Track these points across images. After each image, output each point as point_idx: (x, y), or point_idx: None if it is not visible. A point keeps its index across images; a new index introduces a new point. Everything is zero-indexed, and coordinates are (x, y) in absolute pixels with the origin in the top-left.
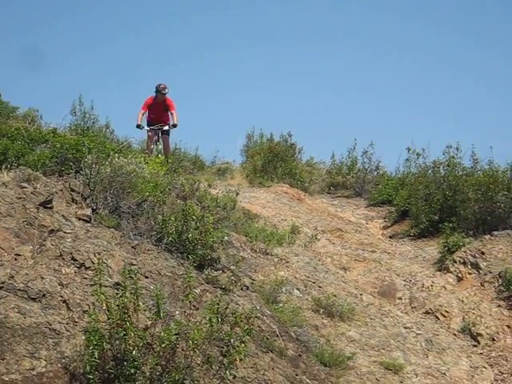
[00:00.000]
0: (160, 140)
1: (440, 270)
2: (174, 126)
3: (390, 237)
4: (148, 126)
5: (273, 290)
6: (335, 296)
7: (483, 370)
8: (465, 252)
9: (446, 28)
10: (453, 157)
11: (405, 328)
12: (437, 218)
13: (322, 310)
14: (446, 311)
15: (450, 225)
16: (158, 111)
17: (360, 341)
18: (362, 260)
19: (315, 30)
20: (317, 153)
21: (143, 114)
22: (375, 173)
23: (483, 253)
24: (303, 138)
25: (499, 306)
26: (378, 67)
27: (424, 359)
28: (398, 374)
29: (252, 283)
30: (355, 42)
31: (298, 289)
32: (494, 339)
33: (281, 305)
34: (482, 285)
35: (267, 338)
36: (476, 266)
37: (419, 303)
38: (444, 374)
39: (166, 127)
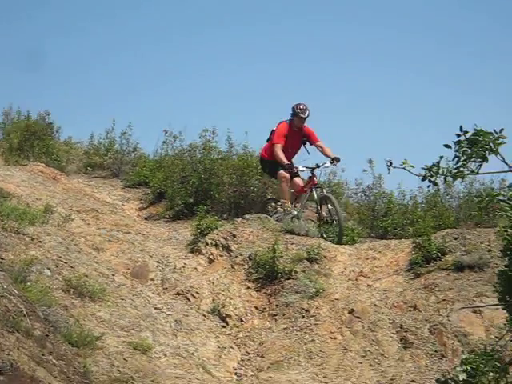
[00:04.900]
0: (315, 190)
1: (192, 252)
2: (338, 160)
3: (146, 218)
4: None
5: (22, 270)
6: (86, 276)
7: (231, 350)
8: (217, 234)
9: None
10: (209, 140)
11: (155, 309)
12: (192, 200)
13: (72, 290)
14: (197, 292)
15: (205, 207)
16: (294, 144)
17: (110, 321)
18: (116, 241)
19: None
20: (76, 133)
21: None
22: (133, 154)
23: (235, 235)
24: (63, 117)
25: (248, 287)
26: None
27: (173, 340)
28: (147, 354)
29: (0, 262)
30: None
31: (49, 268)
32: (242, 320)
33: (29, 284)
34: (232, 267)
35: (13, 318)
36: (227, 249)
37: (171, 284)
38: (192, 354)
39: (328, 164)
